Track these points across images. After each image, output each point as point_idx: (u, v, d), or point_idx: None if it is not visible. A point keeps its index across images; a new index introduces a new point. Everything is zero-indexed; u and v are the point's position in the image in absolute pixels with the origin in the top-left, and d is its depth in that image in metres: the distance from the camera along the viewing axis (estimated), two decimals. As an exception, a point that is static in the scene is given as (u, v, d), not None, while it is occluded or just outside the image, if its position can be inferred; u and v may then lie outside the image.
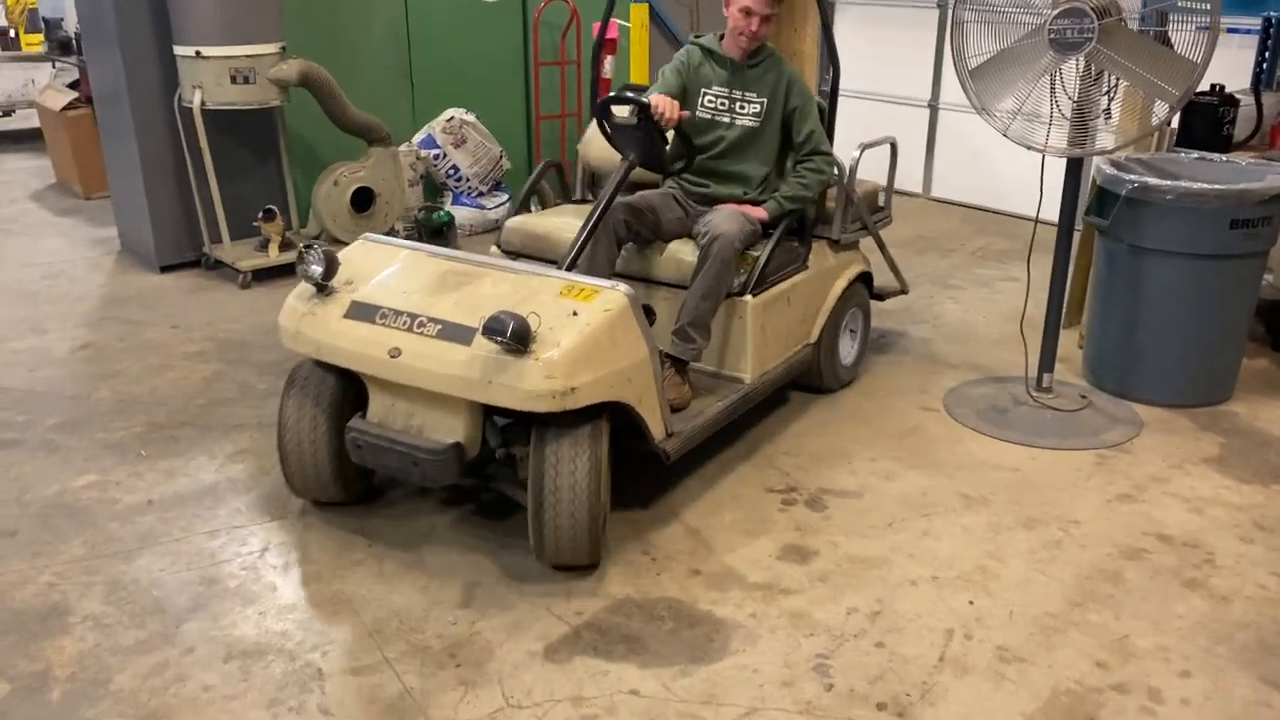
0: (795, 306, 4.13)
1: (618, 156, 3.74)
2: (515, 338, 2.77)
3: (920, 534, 3.51)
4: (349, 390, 3.26)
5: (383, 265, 3.28)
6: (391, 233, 6.04)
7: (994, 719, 2.66)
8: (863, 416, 4.38)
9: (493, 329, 2.79)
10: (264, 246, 5.92)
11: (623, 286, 3.04)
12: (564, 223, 4.03)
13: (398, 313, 3.03)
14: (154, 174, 5.91)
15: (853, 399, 4.54)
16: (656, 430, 3.22)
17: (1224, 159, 4.55)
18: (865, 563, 3.32)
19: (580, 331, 2.89)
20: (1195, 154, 4.60)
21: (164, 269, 6.10)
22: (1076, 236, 4.58)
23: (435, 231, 6.15)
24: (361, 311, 3.09)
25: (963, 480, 3.89)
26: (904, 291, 4.97)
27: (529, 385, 2.84)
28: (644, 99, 3.63)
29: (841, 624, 3.02)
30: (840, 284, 4.36)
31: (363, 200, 6.03)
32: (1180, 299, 4.30)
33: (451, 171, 6.91)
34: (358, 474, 3.40)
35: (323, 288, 3.18)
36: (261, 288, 5.88)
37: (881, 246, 4.75)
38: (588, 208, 3.80)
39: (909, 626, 3.01)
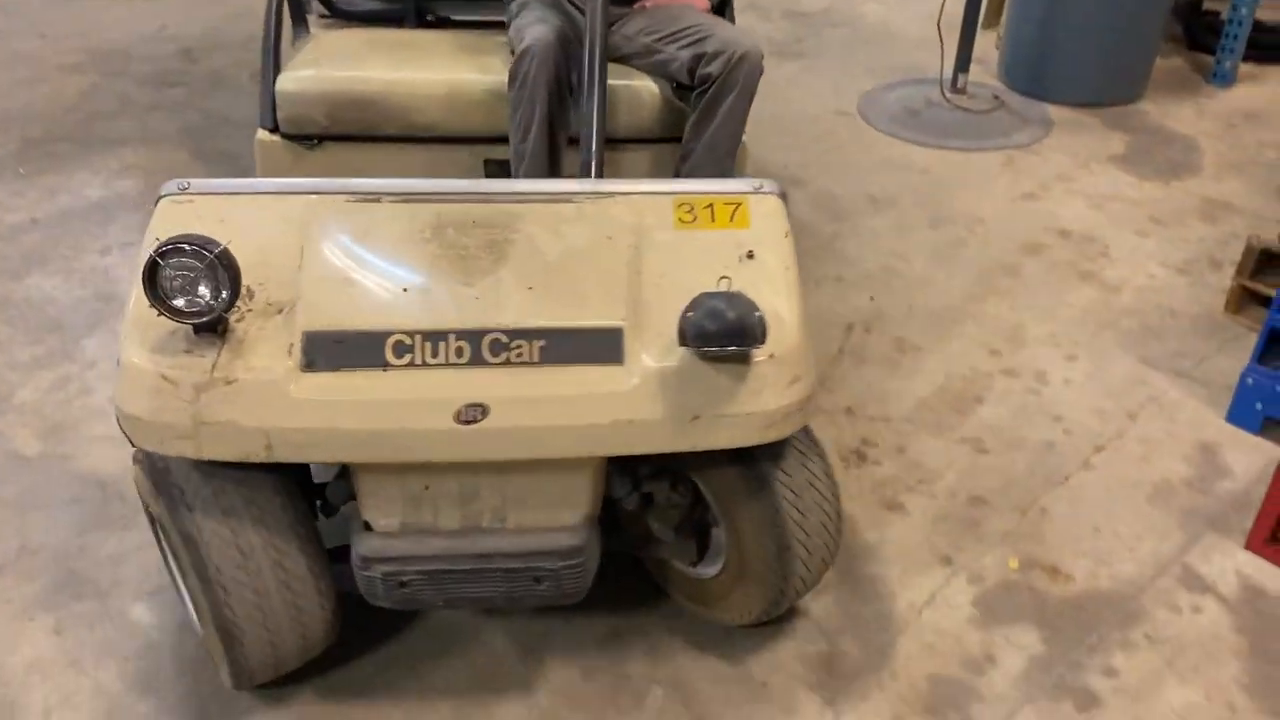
0: None
1: None
2: (749, 333, 1.57)
3: (830, 238, 3.54)
4: (293, 486, 1.85)
5: (288, 237, 1.75)
6: None
7: (888, 402, 2.79)
8: (781, 125, 4.30)
9: (711, 330, 1.56)
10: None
11: (768, 183, 1.89)
12: (405, 73, 2.63)
13: (431, 335, 1.66)
14: None
15: (768, 106, 4.44)
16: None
17: None
18: (773, 264, 3.35)
19: (788, 285, 1.77)
20: None
21: (25, -28, 5.63)
22: (1000, -71, 4.39)
23: None
24: (342, 353, 1.64)
25: (872, 183, 3.89)
26: None
27: (769, 404, 1.70)
28: None
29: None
30: None
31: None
32: (1099, -7, 4.21)
33: None
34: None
35: (216, 325, 1.63)
36: (137, -11, 5.44)
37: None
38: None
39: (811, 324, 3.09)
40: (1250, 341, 2.97)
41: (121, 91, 4.43)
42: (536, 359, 1.66)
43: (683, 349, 1.65)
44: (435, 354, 1.65)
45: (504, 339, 1.66)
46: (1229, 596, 2.26)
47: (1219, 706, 2.03)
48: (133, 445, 1.71)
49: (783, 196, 1.88)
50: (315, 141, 2.61)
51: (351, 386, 1.63)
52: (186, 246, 1.55)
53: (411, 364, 1.64)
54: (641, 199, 1.85)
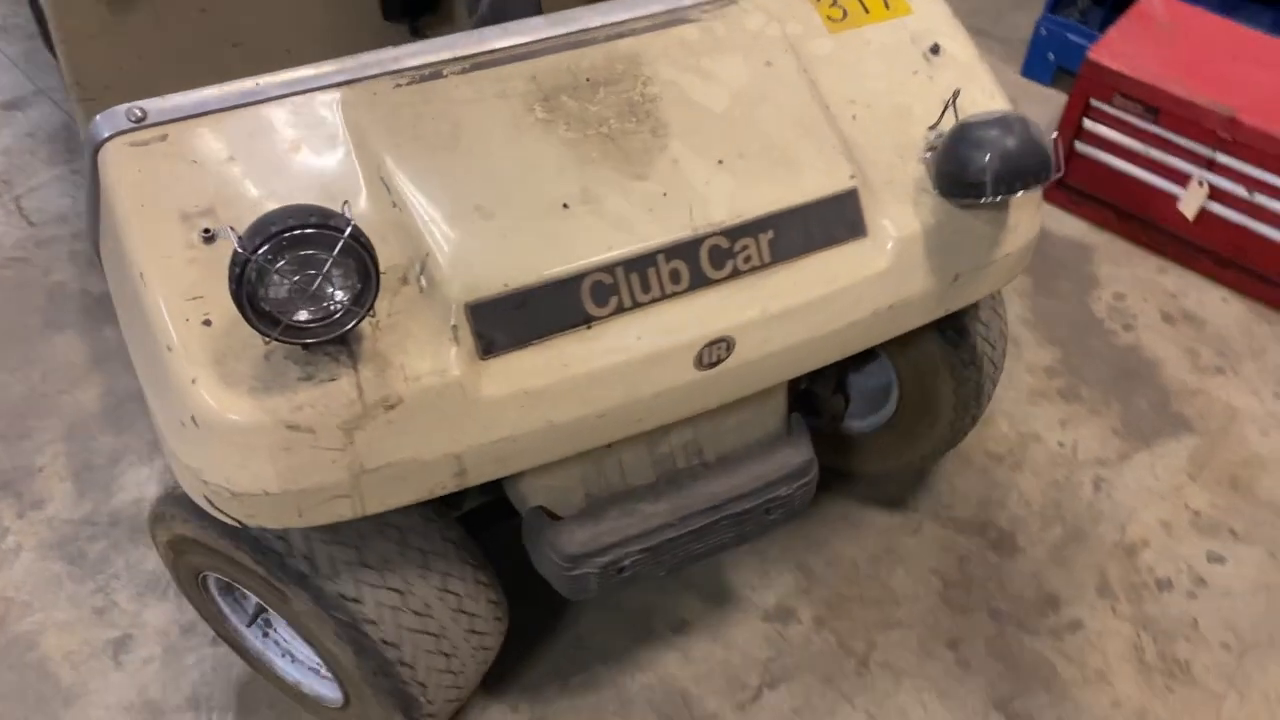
0: None
1: None
2: (1047, 165, 1.22)
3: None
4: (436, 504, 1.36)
5: (346, 160, 1.18)
6: None
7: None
8: None
9: (1005, 172, 1.20)
10: None
11: None
12: None
13: (634, 262, 1.19)
14: None
15: None
16: None
17: None
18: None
19: (988, 76, 1.43)
20: None
21: None
22: None
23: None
24: (529, 320, 1.16)
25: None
26: None
27: (1026, 237, 1.41)
28: None
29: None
30: None
31: None
32: None
33: None
34: None
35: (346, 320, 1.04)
36: None
37: None
38: None
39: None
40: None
41: None
42: (768, 258, 1.25)
43: (932, 197, 1.29)
44: (646, 287, 1.20)
45: (724, 243, 1.22)
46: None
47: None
48: (225, 525, 1.16)
49: None
50: None
51: (554, 361, 1.16)
52: (302, 231, 0.97)
53: (620, 309, 1.19)
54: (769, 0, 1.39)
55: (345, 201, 1.02)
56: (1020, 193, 1.22)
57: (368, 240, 1.01)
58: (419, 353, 1.10)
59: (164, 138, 1.15)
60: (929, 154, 1.30)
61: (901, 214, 1.30)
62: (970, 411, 1.69)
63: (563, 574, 1.33)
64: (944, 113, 1.33)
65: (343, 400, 1.07)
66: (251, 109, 1.18)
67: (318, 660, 1.49)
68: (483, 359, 1.13)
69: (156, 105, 1.16)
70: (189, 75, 1.86)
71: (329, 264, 0.99)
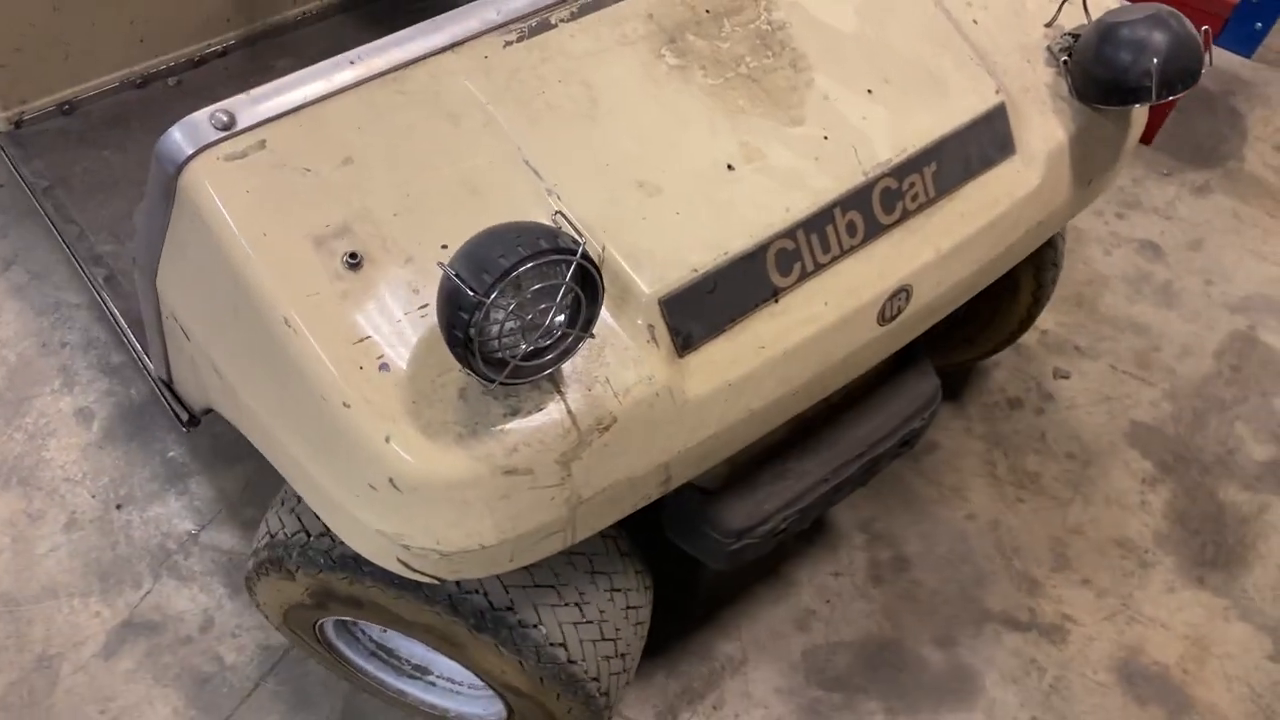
0: None
1: None
2: (1198, 63, 1.15)
3: None
4: None
5: (480, 142, 1.00)
6: None
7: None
8: None
9: (1167, 73, 1.13)
10: None
11: None
12: None
13: (813, 221, 1.06)
14: None
15: None
16: None
17: None
18: None
19: None
20: None
21: None
22: None
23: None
24: (721, 306, 1.02)
25: None
26: None
27: (1139, 127, 1.33)
28: None
29: None
30: None
31: None
32: None
33: None
34: None
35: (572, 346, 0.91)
36: None
37: None
38: None
39: None
40: None
41: None
42: (933, 193, 1.15)
43: (1069, 103, 1.22)
44: (826, 246, 1.09)
45: (893, 183, 1.12)
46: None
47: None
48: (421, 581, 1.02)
49: None
50: None
51: (749, 346, 1.04)
52: (536, 263, 0.82)
53: (804, 274, 1.08)
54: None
55: (557, 212, 0.87)
56: (1182, 92, 1.16)
57: (595, 258, 0.86)
58: (620, 362, 0.97)
59: (262, 144, 0.94)
60: (1067, 57, 1.22)
61: (1045, 125, 1.22)
62: (1042, 302, 1.67)
63: (724, 549, 1.24)
64: (1060, 8, 1.25)
65: (557, 432, 0.94)
66: (355, 95, 0.98)
67: (475, 682, 1.38)
68: (681, 356, 1.01)
69: (244, 107, 0.95)
70: (114, 16, 1.59)
71: (562, 292, 0.84)
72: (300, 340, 0.90)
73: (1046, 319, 2.04)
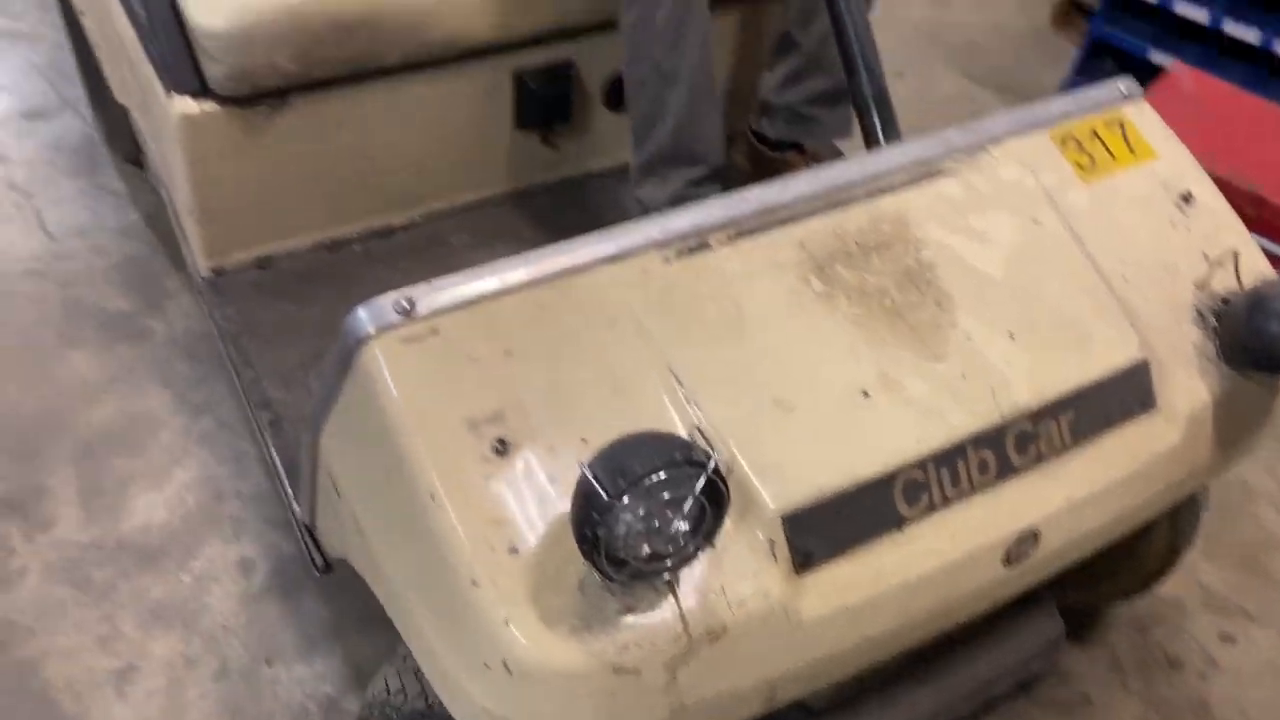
0: None
1: None
2: None
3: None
4: None
5: (627, 351, 1.07)
6: None
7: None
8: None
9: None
10: None
11: (1124, 81, 1.41)
12: None
13: (944, 456, 1.10)
14: None
15: None
16: None
17: None
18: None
19: (1239, 223, 1.35)
20: None
21: None
22: None
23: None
24: (844, 528, 1.05)
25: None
26: None
27: None
28: None
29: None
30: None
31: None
32: None
33: None
34: None
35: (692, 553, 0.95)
36: None
37: None
38: None
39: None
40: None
41: None
42: (1069, 440, 1.16)
43: (1216, 365, 1.22)
44: (955, 481, 1.10)
45: (1029, 427, 1.14)
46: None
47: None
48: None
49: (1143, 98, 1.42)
50: (278, 101, 1.64)
51: (869, 572, 1.05)
52: (668, 473, 0.86)
53: (930, 507, 1.09)
54: (1018, 145, 1.31)
55: (696, 427, 0.92)
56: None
57: (724, 472, 0.90)
58: (738, 573, 0.99)
59: (435, 332, 1.03)
60: (1216, 321, 1.23)
61: (1189, 384, 1.22)
62: (1180, 552, 1.61)
63: None
64: (1213, 271, 1.26)
65: (669, 635, 0.95)
66: (523, 294, 1.07)
67: None
68: (798, 574, 1.02)
69: (424, 295, 1.04)
70: (318, 191, 1.77)
71: (688, 501, 0.88)
72: (441, 514, 0.95)
73: (1211, 577, 1.94)
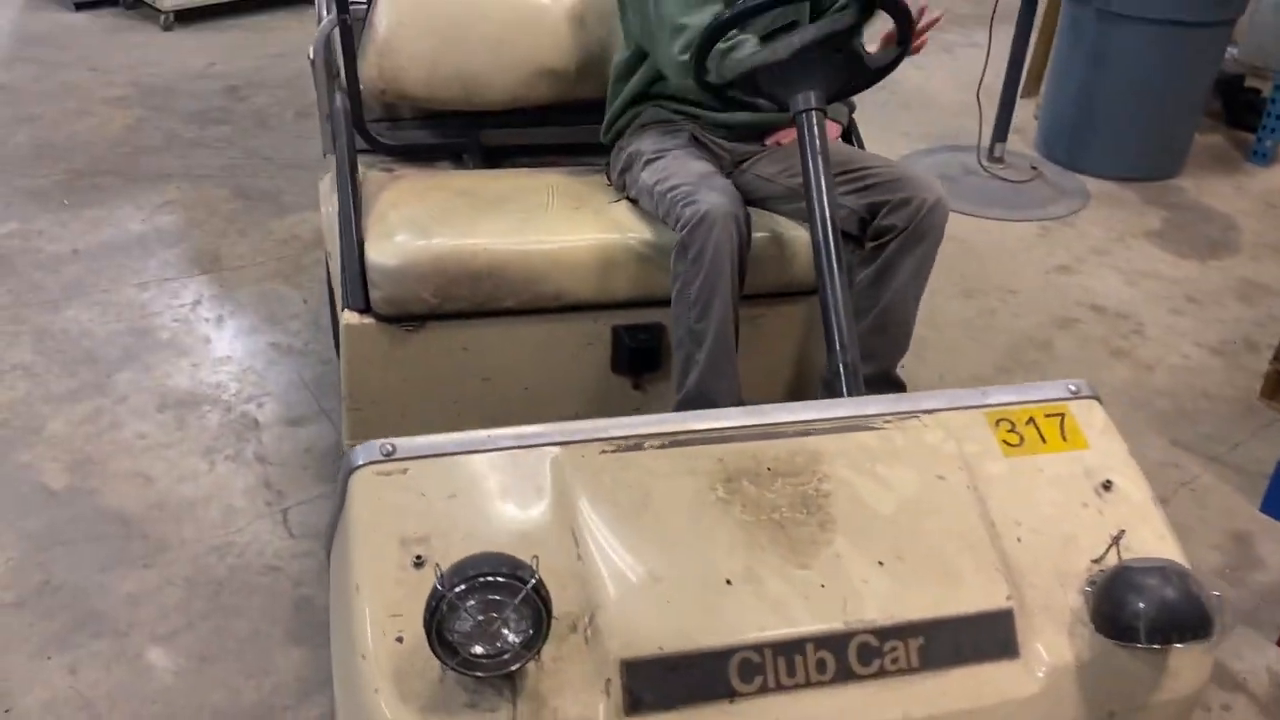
0: None
1: None
2: (1210, 623, 1.27)
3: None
4: None
5: (544, 511, 1.38)
6: None
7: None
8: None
9: (1163, 622, 1.27)
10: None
11: (1079, 384, 1.61)
12: (528, 236, 2.16)
13: (784, 646, 1.29)
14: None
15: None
16: None
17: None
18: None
19: (1162, 521, 1.48)
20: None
21: (79, 6, 5.55)
22: (1042, 2, 4.24)
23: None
24: (677, 686, 1.26)
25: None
26: None
27: (1191, 686, 1.40)
28: None
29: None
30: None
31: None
32: (1142, 67, 4.05)
33: None
34: None
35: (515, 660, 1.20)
36: (185, 29, 5.33)
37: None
38: None
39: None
40: (1287, 429, 2.82)
41: (167, 127, 4.40)
42: (916, 664, 1.30)
43: (1089, 631, 1.32)
44: (792, 672, 1.27)
45: (874, 642, 1.29)
46: (1260, 695, 2.09)
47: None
48: None
49: (1097, 398, 1.58)
50: (419, 323, 2.15)
51: None
52: (493, 579, 1.13)
53: (764, 689, 1.26)
54: (951, 417, 1.51)
55: (535, 556, 1.18)
56: (1177, 645, 1.23)
57: (547, 594, 1.16)
58: (573, 699, 1.21)
59: (404, 471, 1.37)
60: (1089, 588, 1.34)
61: (1056, 642, 1.32)
62: None
63: None
64: (1108, 550, 1.37)
65: None
66: (480, 455, 1.40)
67: None
68: (627, 716, 1.21)
69: (406, 443, 1.39)
70: (443, 396, 2.20)
71: (509, 610, 1.13)
72: (357, 600, 1.26)
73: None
